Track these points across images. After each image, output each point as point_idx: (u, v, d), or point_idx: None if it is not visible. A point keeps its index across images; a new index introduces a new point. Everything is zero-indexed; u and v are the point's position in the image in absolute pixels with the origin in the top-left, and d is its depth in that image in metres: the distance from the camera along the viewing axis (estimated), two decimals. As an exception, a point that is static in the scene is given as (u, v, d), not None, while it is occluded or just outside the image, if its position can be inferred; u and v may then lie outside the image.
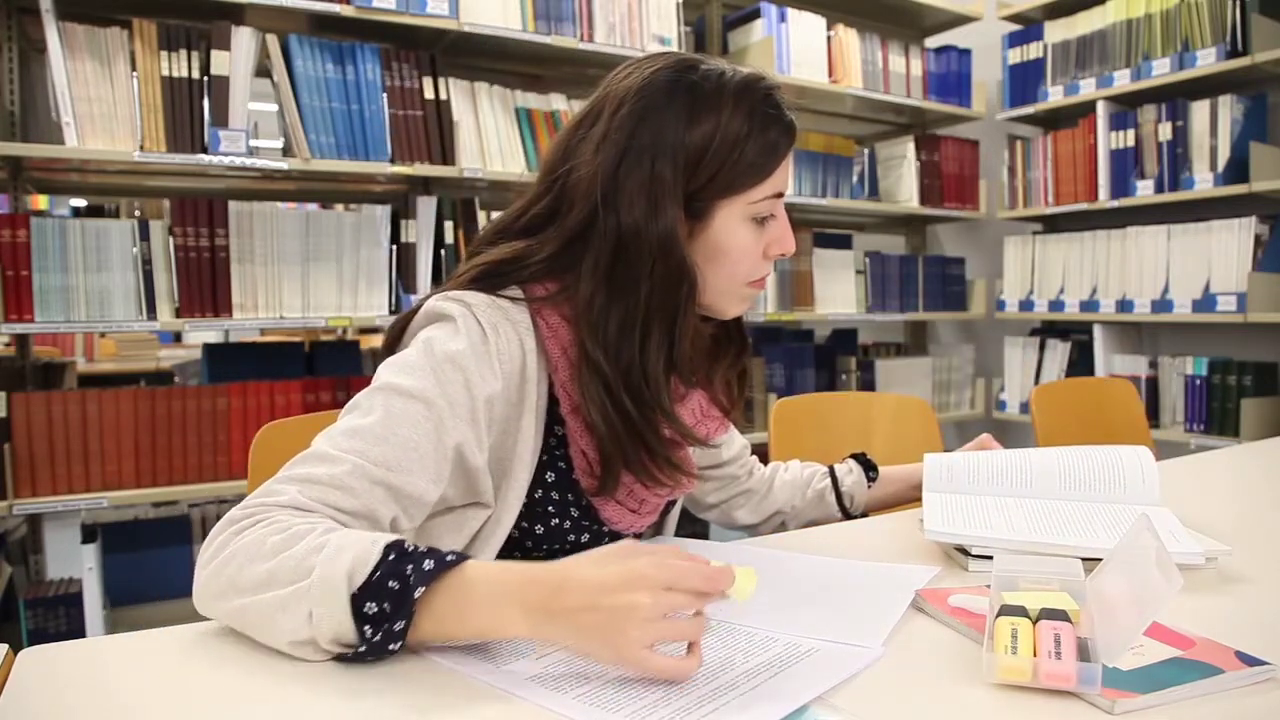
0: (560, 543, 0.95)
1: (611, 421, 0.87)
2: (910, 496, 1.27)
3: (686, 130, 0.87)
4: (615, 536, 0.97)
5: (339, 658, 0.67)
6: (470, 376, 0.83)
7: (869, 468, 1.28)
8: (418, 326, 0.88)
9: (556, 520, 0.93)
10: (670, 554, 0.66)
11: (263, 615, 0.68)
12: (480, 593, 0.67)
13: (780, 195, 0.93)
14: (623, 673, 0.66)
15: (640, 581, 0.63)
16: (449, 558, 0.68)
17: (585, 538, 0.96)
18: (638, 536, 1.01)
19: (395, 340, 0.92)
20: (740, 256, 0.92)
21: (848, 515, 1.26)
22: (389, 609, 0.65)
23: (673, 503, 1.09)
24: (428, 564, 0.67)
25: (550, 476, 0.93)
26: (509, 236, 0.94)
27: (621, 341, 0.87)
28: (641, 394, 0.87)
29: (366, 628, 0.65)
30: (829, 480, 1.26)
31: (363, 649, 0.66)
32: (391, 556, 0.67)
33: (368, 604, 0.65)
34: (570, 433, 0.91)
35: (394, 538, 0.69)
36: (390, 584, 0.66)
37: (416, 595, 0.65)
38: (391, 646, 0.66)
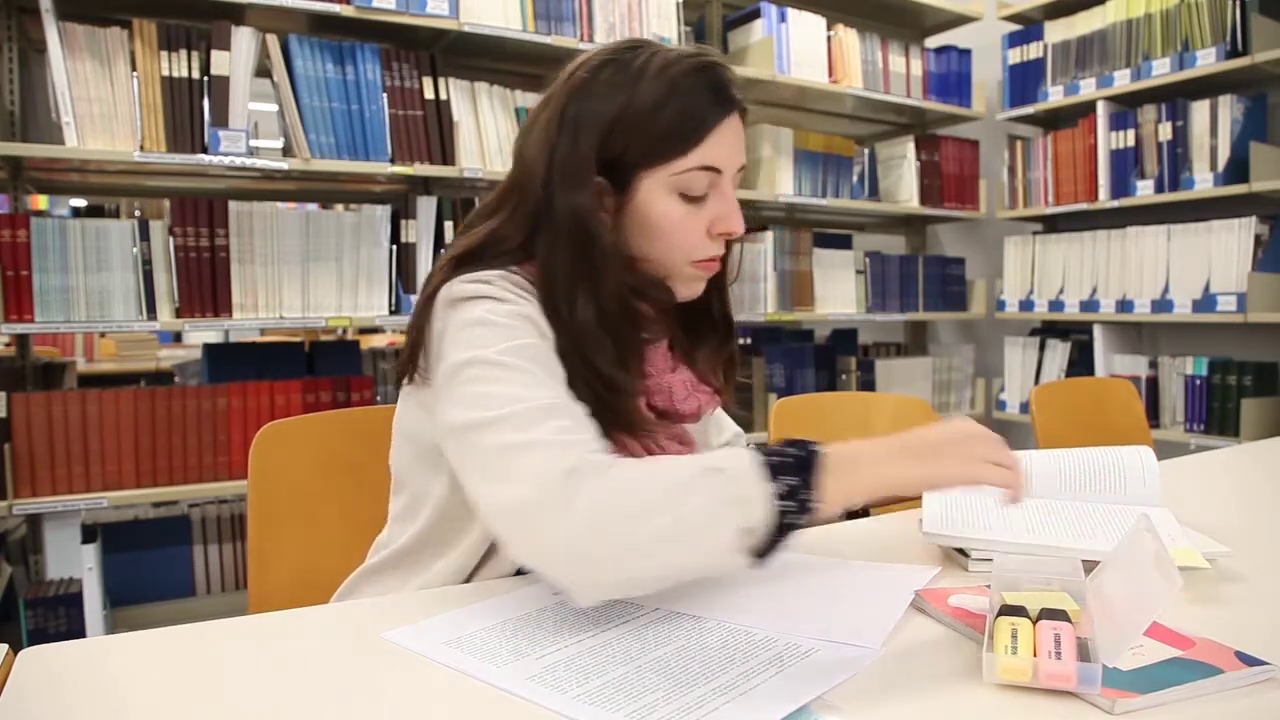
0: None
1: (572, 376, 0.86)
2: (914, 494, 1.26)
3: (605, 100, 0.88)
4: None
5: (758, 555, 0.71)
6: (542, 329, 0.85)
7: None
8: (444, 315, 0.87)
9: None
10: None
11: (692, 525, 0.69)
12: (861, 455, 0.75)
13: (717, 171, 0.91)
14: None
15: (975, 427, 0.80)
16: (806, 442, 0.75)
17: None
18: None
19: (419, 341, 0.90)
20: (671, 231, 0.91)
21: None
22: (796, 483, 0.70)
23: None
24: (802, 443, 0.74)
25: None
26: (477, 223, 0.95)
27: (559, 304, 0.88)
28: (577, 345, 0.87)
29: (785, 501, 0.70)
30: None
31: (794, 513, 0.70)
32: (758, 449, 0.73)
33: (780, 478, 0.70)
34: None
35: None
36: (785, 460, 0.71)
37: (818, 449, 0.72)
38: (812, 504, 0.70)
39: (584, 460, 0.72)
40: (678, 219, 0.91)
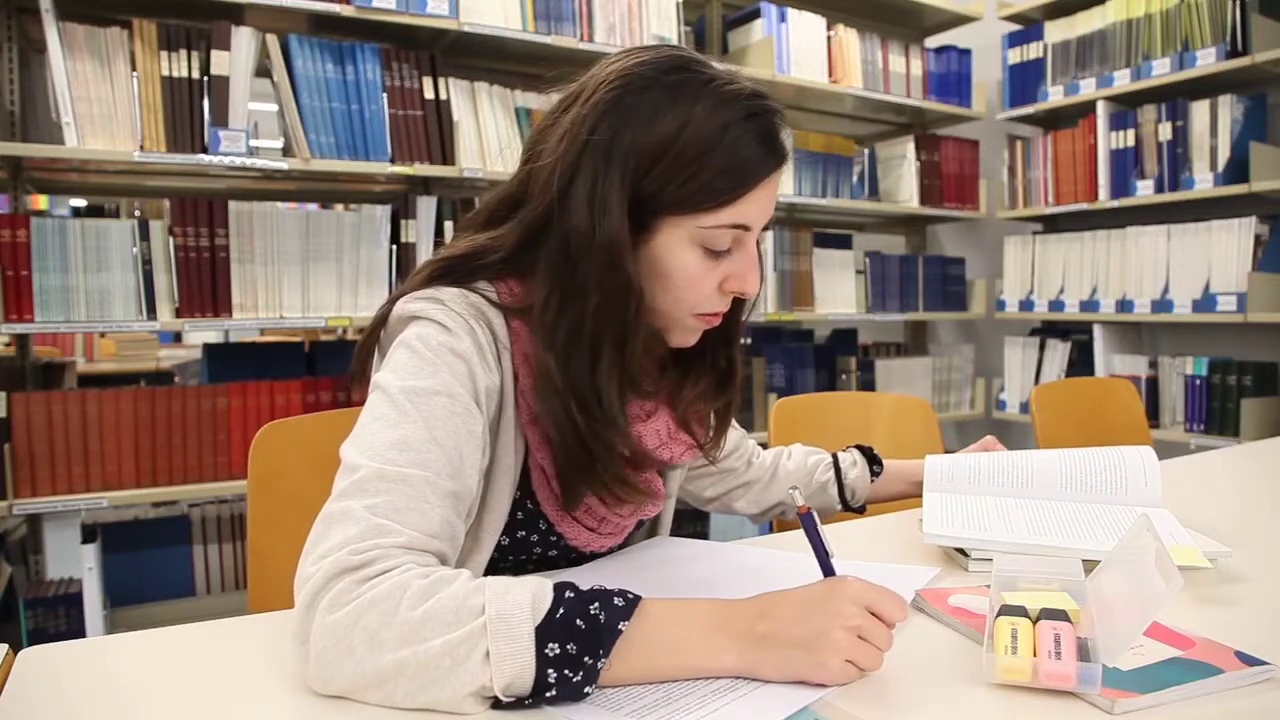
0: (526, 554, 0.92)
1: (565, 435, 0.81)
2: (913, 493, 1.26)
3: (646, 129, 0.79)
4: (580, 554, 0.95)
5: (497, 705, 0.61)
6: (473, 367, 0.79)
7: (873, 460, 1.26)
8: (396, 332, 0.82)
9: (524, 532, 0.90)
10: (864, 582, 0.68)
11: (426, 668, 0.60)
12: (678, 627, 0.65)
13: (746, 228, 0.82)
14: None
15: (845, 593, 0.66)
16: (630, 595, 0.65)
17: (552, 553, 0.92)
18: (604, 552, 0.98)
19: (368, 357, 0.88)
20: (685, 283, 0.83)
21: (847, 507, 1.26)
22: (575, 650, 0.61)
23: (642, 522, 1.02)
24: (619, 600, 0.64)
25: (520, 488, 0.89)
26: (472, 228, 0.90)
27: (572, 353, 0.80)
28: (592, 410, 0.81)
29: (549, 670, 0.60)
30: (832, 472, 1.25)
31: (552, 693, 0.61)
32: (569, 594, 0.63)
33: (549, 645, 0.61)
34: (530, 444, 0.86)
35: (560, 578, 0.66)
36: (577, 622, 0.62)
37: (621, 627, 0.62)
38: (587, 690, 0.61)
39: (363, 561, 0.65)
40: (694, 273, 0.83)
